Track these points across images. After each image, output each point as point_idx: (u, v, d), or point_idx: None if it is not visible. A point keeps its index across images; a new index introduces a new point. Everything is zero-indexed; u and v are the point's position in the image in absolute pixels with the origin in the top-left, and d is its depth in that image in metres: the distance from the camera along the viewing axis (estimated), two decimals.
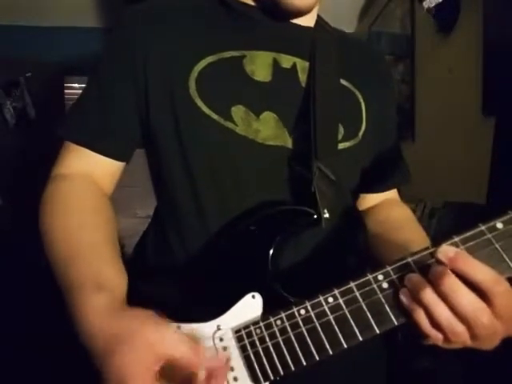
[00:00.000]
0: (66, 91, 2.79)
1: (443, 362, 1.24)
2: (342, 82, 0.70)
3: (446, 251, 0.44)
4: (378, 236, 0.73)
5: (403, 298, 0.46)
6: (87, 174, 0.65)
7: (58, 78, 2.75)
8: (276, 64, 0.66)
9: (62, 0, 2.45)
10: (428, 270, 0.45)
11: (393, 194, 0.81)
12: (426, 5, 1.63)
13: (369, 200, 0.80)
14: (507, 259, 0.44)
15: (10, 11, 2.50)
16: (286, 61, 0.67)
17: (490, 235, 0.45)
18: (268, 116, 0.63)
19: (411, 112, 2.02)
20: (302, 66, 0.67)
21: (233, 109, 0.62)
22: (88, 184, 0.64)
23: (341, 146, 0.66)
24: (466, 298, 0.42)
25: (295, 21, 0.70)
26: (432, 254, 0.46)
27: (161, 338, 0.46)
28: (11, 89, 2.69)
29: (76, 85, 2.79)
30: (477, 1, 1.50)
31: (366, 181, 0.74)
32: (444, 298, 0.43)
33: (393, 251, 0.64)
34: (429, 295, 0.43)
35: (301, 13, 0.67)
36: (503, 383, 1.05)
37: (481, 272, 0.42)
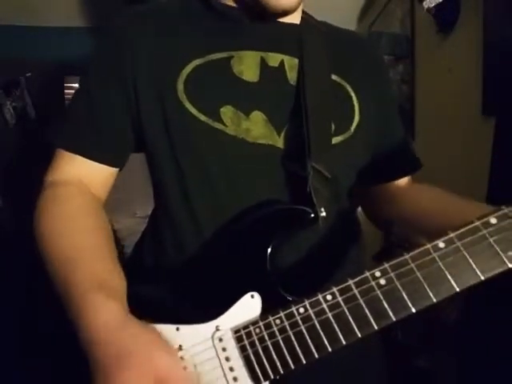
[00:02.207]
0: (65, 91, 2.78)
1: (442, 360, 1.24)
2: (333, 76, 0.69)
3: None
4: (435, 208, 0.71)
5: None
6: (80, 181, 0.65)
7: (57, 77, 2.75)
8: (263, 63, 0.65)
9: (62, 0, 2.45)
10: (426, 266, 0.46)
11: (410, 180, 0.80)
12: (426, 5, 1.63)
13: (392, 186, 0.78)
14: (501, 253, 0.45)
15: (10, 11, 2.49)
16: (274, 59, 0.66)
17: (485, 231, 0.46)
18: (257, 115, 0.63)
19: (411, 112, 2.02)
20: (291, 63, 0.67)
21: (221, 109, 0.62)
22: (82, 190, 0.64)
23: (333, 141, 0.65)
24: None
25: (281, 19, 0.69)
26: (429, 249, 0.47)
27: (166, 365, 0.47)
28: (11, 89, 2.69)
29: (76, 85, 2.78)
30: (477, 1, 1.49)
31: (375, 170, 0.73)
32: None
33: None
34: None
35: (286, 13, 0.67)
36: (500, 382, 1.04)
37: None
